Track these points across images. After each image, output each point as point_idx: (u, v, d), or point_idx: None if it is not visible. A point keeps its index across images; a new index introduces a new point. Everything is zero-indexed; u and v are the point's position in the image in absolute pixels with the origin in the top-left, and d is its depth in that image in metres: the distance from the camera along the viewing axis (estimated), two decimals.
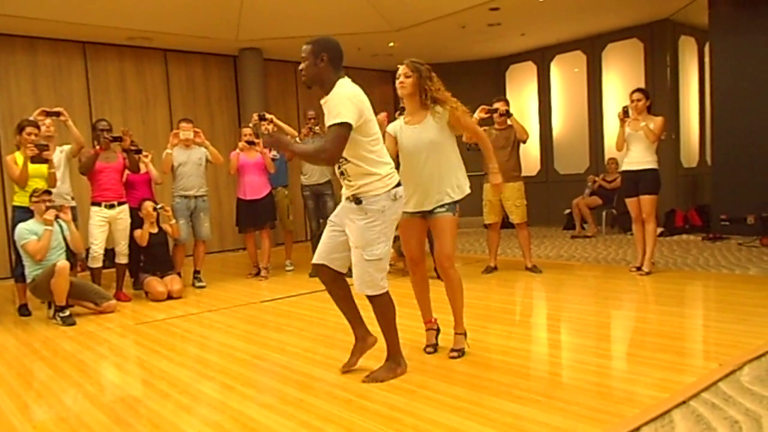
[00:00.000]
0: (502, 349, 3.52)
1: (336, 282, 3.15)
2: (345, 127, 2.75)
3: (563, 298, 4.97)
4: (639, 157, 5.44)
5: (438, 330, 3.57)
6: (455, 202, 3.36)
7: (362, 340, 3.21)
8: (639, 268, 5.54)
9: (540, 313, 4.69)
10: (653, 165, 5.42)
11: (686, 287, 5.12)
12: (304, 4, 7.31)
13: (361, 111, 2.81)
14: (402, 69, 3.34)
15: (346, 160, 2.88)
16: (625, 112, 5.50)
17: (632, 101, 5.47)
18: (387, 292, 3.00)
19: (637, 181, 5.45)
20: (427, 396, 2.76)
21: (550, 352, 3.60)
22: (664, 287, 5.00)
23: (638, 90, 5.55)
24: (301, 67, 2.94)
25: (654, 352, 3.27)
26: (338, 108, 2.76)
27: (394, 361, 3.07)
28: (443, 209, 3.32)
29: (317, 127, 6.30)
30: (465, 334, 3.45)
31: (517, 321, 4.38)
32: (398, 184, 2.96)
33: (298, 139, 6.30)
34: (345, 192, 3.00)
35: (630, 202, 5.56)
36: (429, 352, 3.46)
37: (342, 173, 2.95)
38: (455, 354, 3.35)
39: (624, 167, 5.62)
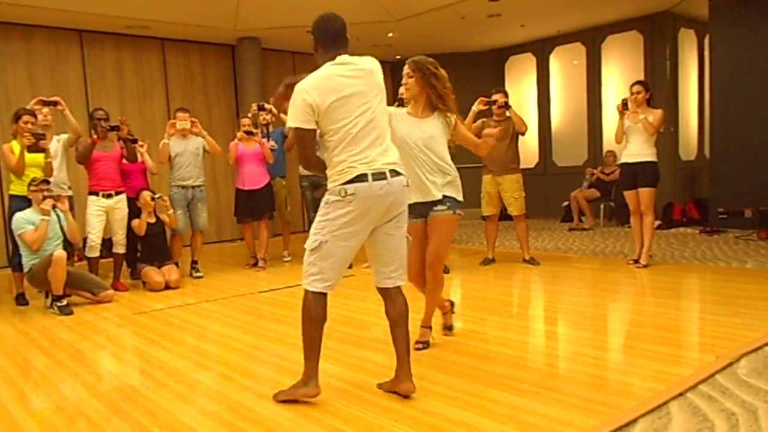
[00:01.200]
0: (499, 340, 3.52)
1: (386, 298, 2.74)
2: (298, 131, 2.57)
3: (561, 290, 4.98)
4: (638, 150, 5.43)
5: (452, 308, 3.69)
6: (458, 202, 3.23)
7: (397, 379, 2.72)
8: (636, 261, 5.55)
9: (537, 305, 4.70)
10: (652, 158, 5.41)
11: (683, 280, 5.13)
12: None
13: (313, 106, 2.51)
14: (405, 68, 3.23)
15: None
16: (624, 105, 5.49)
17: (632, 93, 5.46)
18: (317, 296, 2.60)
19: (636, 174, 5.44)
20: (425, 387, 2.76)
21: (548, 343, 3.61)
22: (662, 280, 5.01)
23: (638, 82, 5.54)
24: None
25: (651, 344, 3.28)
26: (291, 108, 2.57)
27: (303, 379, 2.65)
28: (445, 207, 3.18)
29: None
30: (431, 328, 3.46)
31: (514, 313, 4.39)
32: (355, 179, 2.51)
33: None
34: None
35: (628, 195, 5.56)
36: (445, 334, 3.58)
37: None
38: (420, 346, 3.34)
39: (623, 160, 5.61)
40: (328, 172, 2.64)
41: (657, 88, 7.80)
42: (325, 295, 2.63)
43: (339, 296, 4.87)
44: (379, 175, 2.55)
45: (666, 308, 4.07)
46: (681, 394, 2.54)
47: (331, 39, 2.67)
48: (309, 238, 2.64)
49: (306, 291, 2.63)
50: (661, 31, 8.72)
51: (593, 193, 8.62)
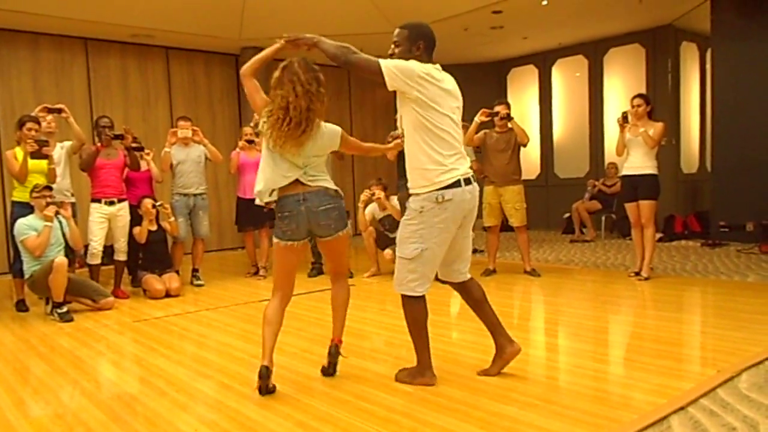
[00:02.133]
0: None
1: (464, 289, 3.09)
2: (381, 68, 2.69)
3: (561, 302, 4.97)
4: (639, 163, 5.44)
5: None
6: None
7: (501, 349, 3.05)
8: (638, 273, 5.54)
9: (538, 317, 4.69)
10: (653, 170, 5.42)
11: (685, 293, 5.12)
12: (306, 4, 7.30)
13: (435, 92, 2.73)
14: None
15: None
16: (624, 118, 5.50)
17: (633, 106, 5.48)
18: (419, 298, 2.88)
19: (637, 186, 5.45)
20: (425, 398, 2.75)
21: (548, 356, 3.60)
22: (663, 293, 5.00)
23: (639, 95, 5.56)
24: (391, 51, 2.87)
25: (652, 357, 3.27)
26: (395, 63, 2.74)
27: (419, 369, 2.96)
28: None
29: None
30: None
31: (515, 324, 4.38)
32: (452, 185, 2.73)
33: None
34: None
35: (629, 207, 5.56)
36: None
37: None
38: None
39: (624, 172, 5.62)
40: (415, 175, 2.79)
41: (659, 100, 7.84)
42: (424, 296, 2.87)
43: None
44: (467, 181, 2.79)
45: (667, 321, 4.06)
46: (682, 408, 2.53)
47: (433, 49, 2.90)
48: (402, 247, 2.81)
49: (408, 297, 2.86)
50: (663, 44, 8.76)
51: (595, 204, 8.62)
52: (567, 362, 3.40)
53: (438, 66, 2.86)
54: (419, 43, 2.82)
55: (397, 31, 2.87)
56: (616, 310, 4.56)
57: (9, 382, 3.28)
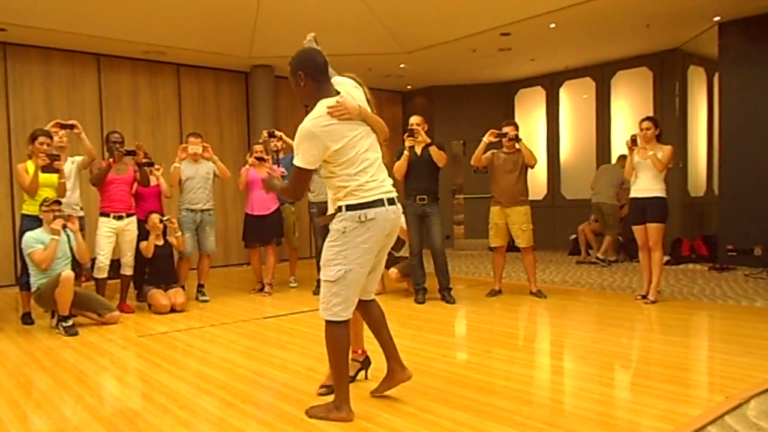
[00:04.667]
0: (504, 374, 3.49)
1: (365, 309, 2.99)
2: (303, 171, 2.66)
3: (567, 324, 4.94)
4: (647, 185, 5.44)
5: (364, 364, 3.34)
6: None
7: (392, 372, 3.01)
8: (645, 297, 5.51)
9: (543, 339, 4.66)
10: (661, 193, 5.41)
11: (692, 317, 5.08)
12: (317, 23, 7.36)
13: (323, 146, 2.62)
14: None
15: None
16: (633, 141, 5.51)
17: (641, 129, 5.48)
18: (342, 324, 2.71)
19: (645, 209, 5.44)
20: (429, 420, 2.73)
21: (553, 378, 3.57)
22: (670, 317, 4.96)
23: (647, 119, 5.57)
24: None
25: (659, 382, 3.24)
26: (297, 147, 2.66)
27: (336, 403, 2.76)
28: None
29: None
30: None
31: (520, 346, 4.35)
32: (373, 204, 2.66)
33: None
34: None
35: (637, 230, 5.55)
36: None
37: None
38: (324, 390, 3.10)
39: (632, 194, 5.61)
40: (335, 196, 2.73)
41: (666, 124, 7.84)
42: (347, 321, 2.75)
43: None
44: (391, 201, 2.73)
45: (674, 346, 4.03)
46: None
47: (320, 72, 2.78)
48: (326, 269, 2.70)
49: (330, 323, 2.72)
50: (671, 68, 8.79)
51: (601, 226, 8.59)
52: (572, 385, 3.37)
53: (335, 81, 2.81)
54: (299, 73, 2.74)
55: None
56: (623, 334, 4.52)
57: (12, 396, 3.28)
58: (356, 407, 2.90)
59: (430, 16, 7.23)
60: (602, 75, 9.55)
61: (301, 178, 2.71)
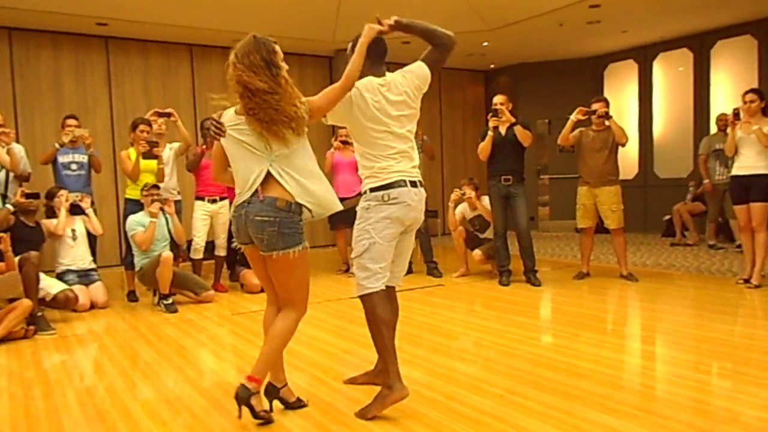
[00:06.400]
0: (593, 358, 3.40)
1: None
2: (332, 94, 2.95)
3: (660, 308, 4.74)
4: (751, 162, 5.11)
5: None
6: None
7: (377, 370, 2.96)
8: (747, 281, 5.20)
9: (634, 323, 4.50)
10: (766, 170, 5.06)
11: None
12: (399, 4, 7.36)
13: (349, 104, 2.94)
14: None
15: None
16: (735, 115, 5.18)
17: (745, 102, 5.14)
18: (373, 295, 2.68)
19: (748, 187, 5.12)
20: (516, 402, 2.72)
21: (645, 363, 3.45)
22: None
23: (752, 90, 5.20)
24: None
25: (761, 370, 3.07)
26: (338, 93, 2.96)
27: (385, 385, 2.64)
28: None
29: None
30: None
31: (609, 330, 4.23)
32: (395, 184, 2.73)
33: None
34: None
35: (739, 210, 5.22)
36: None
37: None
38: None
39: (733, 172, 5.29)
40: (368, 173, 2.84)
41: None
42: (385, 293, 2.72)
43: (428, 305, 4.90)
44: (413, 183, 2.79)
45: None
46: None
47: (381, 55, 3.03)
48: (354, 247, 2.81)
49: (363, 297, 2.72)
50: None
51: (698, 206, 8.14)
52: (665, 371, 3.24)
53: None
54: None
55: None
56: (722, 319, 4.29)
57: (123, 366, 3.54)
58: (442, 388, 2.94)
59: None
60: (701, 45, 8.97)
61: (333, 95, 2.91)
